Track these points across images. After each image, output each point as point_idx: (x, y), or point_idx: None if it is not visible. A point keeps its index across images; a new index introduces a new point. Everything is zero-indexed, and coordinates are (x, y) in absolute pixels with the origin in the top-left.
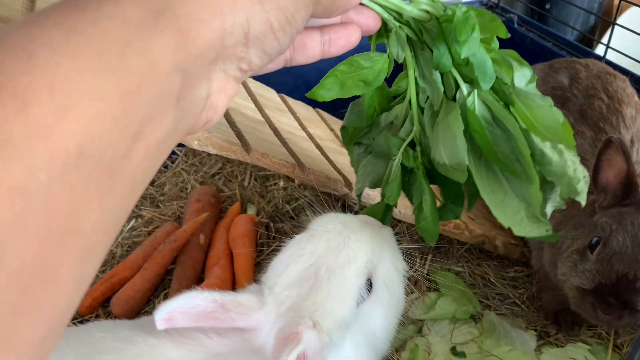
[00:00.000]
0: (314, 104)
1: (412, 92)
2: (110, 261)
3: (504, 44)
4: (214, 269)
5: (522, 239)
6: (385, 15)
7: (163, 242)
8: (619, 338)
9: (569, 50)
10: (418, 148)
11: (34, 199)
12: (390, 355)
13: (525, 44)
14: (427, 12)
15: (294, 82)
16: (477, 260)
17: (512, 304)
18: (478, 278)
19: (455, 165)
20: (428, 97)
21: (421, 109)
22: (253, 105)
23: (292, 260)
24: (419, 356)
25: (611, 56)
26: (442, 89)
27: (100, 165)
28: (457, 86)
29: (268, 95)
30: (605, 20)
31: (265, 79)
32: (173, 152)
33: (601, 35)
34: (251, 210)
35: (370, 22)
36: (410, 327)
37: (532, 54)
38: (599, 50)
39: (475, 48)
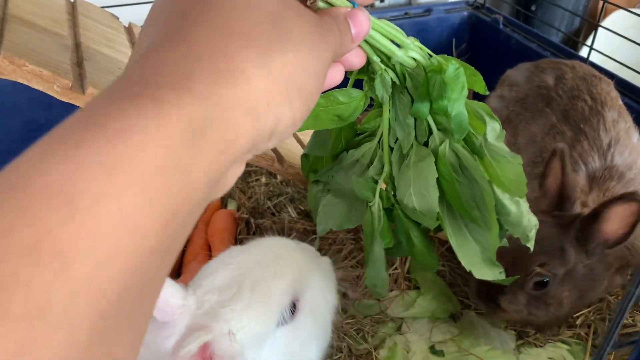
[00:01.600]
0: None
1: (385, 134)
2: None
3: (490, 46)
4: (191, 264)
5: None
6: (374, 57)
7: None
8: (597, 338)
9: (553, 51)
10: (389, 187)
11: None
12: (369, 353)
13: (509, 45)
14: (414, 59)
15: None
16: (457, 259)
17: None
18: (458, 277)
19: (426, 211)
20: (397, 139)
21: (390, 149)
22: None
23: (220, 267)
24: (397, 354)
25: (596, 59)
26: (414, 134)
27: (135, 299)
28: (430, 132)
29: None
30: (590, 23)
31: None
32: None
33: (586, 37)
34: (231, 206)
35: (355, 60)
36: (390, 325)
37: (516, 55)
38: (584, 52)
39: (461, 106)
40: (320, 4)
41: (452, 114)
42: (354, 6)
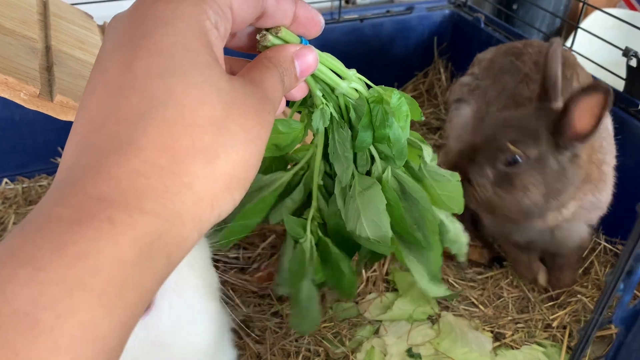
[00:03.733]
0: None
1: (316, 168)
2: None
3: (471, 45)
4: None
5: (481, 240)
6: (317, 91)
7: None
8: (573, 341)
9: None
10: (318, 221)
11: None
12: (346, 356)
13: (491, 44)
14: (357, 90)
15: None
16: None
17: (469, 305)
18: None
19: (379, 238)
20: (328, 173)
21: (321, 185)
22: None
23: None
24: (374, 357)
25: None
26: (354, 166)
27: None
28: (372, 161)
29: None
30: (570, 24)
31: None
32: None
33: (567, 37)
34: None
35: (297, 93)
36: (367, 328)
37: None
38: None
39: (406, 133)
40: (271, 41)
41: (394, 142)
42: (302, 42)
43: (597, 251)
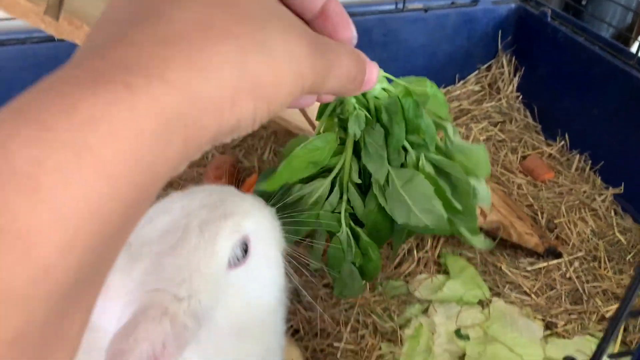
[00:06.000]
0: None
1: (346, 168)
2: None
3: (536, 39)
4: None
5: (537, 230)
6: (352, 98)
7: None
8: (628, 335)
9: (601, 46)
10: (350, 212)
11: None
12: (394, 331)
13: (556, 38)
14: (385, 90)
15: None
16: (490, 249)
17: (522, 294)
18: (490, 266)
19: (437, 223)
20: (360, 172)
21: (356, 185)
22: None
23: (159, 213)
24: (422, 334)
25: None
26: (388, 164)
27: (92, 277)
28: (405, 153)
29: None
30: None
31: None
32: None
33: (639, 33)
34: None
35: (329, 97)
36: (416, 306)
37: (563, 49)
38: (635, 48)
39: (429, 119)
40: None
41: (426, 131)
42: None
43: None
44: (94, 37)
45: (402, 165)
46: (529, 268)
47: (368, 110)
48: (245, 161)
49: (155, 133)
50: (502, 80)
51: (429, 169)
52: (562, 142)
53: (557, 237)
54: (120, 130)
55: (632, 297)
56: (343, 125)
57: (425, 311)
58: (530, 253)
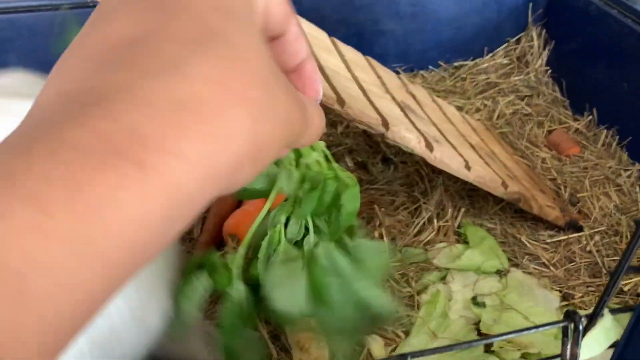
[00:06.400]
0: (364, 51)
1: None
2: None
3: (568, 12)
4: (250, 202)
5: (559, 203)
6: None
7: None
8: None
9: (634, 18)
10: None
11: None
12: (412, 296)
13: (589, 11)
14: (319, 163)
15: (346, 31)
16: (510, 220)
17: (540, 265)
18: (509, 237)
19: (289, 312)
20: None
21: None
22: None
23: None
24: (439, 300)
25: None
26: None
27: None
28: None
29: (318, 35)
30: None
31: (319, 23)
32: None
33: None
34: None
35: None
36: (434, 274)
37: (595, 22)
38: None
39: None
40: None
41: (343, 220)
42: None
43: None
44: (95, 59)
45: (296, 244)
46: (548, 240)
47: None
48: None
49: (162, 218)
50: (531, 54)
51: (324, 261)
52: (590, 117)
53: (579, 211)
54: (127, 221)
55: (633, 250)
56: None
57: (442, 279)
58: (551, 226)
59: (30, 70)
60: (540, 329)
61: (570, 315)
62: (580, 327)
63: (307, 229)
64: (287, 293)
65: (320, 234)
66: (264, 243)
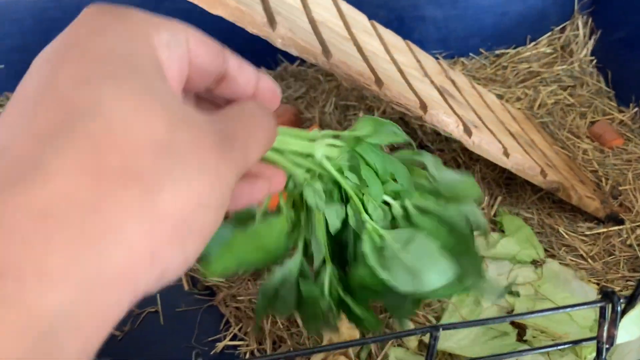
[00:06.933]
0: (404, 36)
1: (323, 239)
2: None
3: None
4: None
5: (599, 195)
6: (293, 167)
7: None
8: None
9: None
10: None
11: None
12: None
13: (638, 1)
14: (334, 145)
15: (387, 15)
16: (548, 210)
17: (578, 257)
18: (547, 227)
19: (449, 284)
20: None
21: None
22: (341, 23)
23: None
24: None
25: None
26: (374, 223)
27: None
28: (388, 206)
29: (359, 18)
30: None
31: (359, 6)
32: None
33: None
34: None
35: (277, 185)
36: None
37: None
38: None
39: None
40: None
41: (398, 173)
42: None
43: None
44: None
45: (393, 223)
46: (587, 232)
47: (320, 177)
48: (307, 112)
49: (29, 353)
50: (576, 43)
51: (422, 221)
52: (636, 109)
53: (620, 204)
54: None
55: None
56: (295, 203)
57: None
58: (590, 218)
59: None
60: (576, 308)
61: (608, 295)
62: (619, 309)
63: (385, 203)
64: (431, 268)
65: (400, 196)
66: (367, 247)
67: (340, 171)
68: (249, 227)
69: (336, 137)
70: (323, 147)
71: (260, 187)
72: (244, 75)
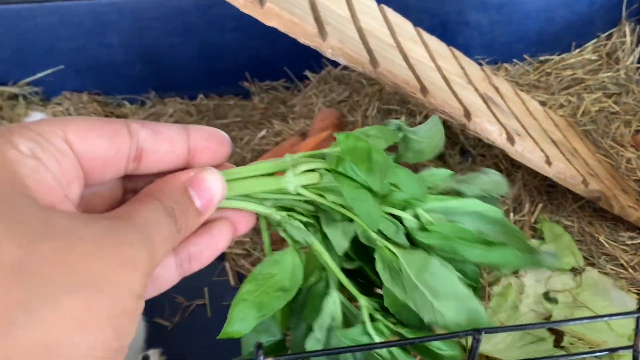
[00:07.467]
0: (448, 41)
1: (338, 275)
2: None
3: None
4: None
5: None
6: (268, 210)
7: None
8: None
9: None
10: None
11: None
12: (483, 287)
13: None
14: (313, 170)
15: (431, 21)
16: (589, 218)
17: (618, 266)
18: (587, 236)
19: (471, 315)
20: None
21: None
22: (387, 31)
23: None
24: (510, 293)
25: None
26: (385, 238)
27: None
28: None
29: (404, 25)
30: None
31: (403, 12)
32: (306, 78)
33: None
34: None
35: (242, 227)
36: None
37: None
38: None
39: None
40: None
41: (405, 179)
42: None
43: None
44: None
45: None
46: (628, 242)
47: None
48: (349, 116)
49: None
50: (623, 50)
51: (442, 227)
52: None
53: None
54: None
55: None
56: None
57: (515, 272)
58: (632, 227)
59: (131, 50)
60: (612, 318)
61: None
62: None
63: (392, 215)
64: (450, 298)
65: (411, 204)
66: (379, 267)
67: (323, 196)
68: (255, 274)
69: (322, 157)
70: (297, 177)
71: (224, 234)
72: (163, 143)
